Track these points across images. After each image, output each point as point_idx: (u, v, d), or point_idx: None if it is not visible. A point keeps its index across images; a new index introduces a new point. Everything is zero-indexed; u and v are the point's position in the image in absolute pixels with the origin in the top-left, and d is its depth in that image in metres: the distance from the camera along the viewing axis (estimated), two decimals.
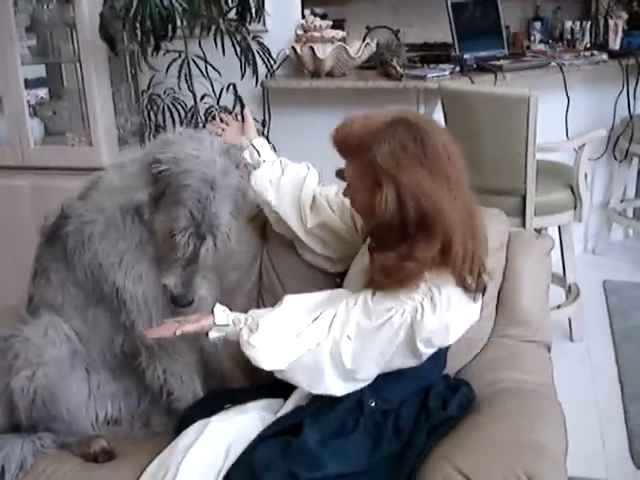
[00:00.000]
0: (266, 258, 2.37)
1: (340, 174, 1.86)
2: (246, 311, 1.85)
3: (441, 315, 1.69)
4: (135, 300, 1.89)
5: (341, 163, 1.82)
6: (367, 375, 1.75)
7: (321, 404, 1.80)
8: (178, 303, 1.87)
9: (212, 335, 1.82)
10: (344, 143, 1.77)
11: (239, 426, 1.78)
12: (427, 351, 1.73)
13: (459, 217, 1.67)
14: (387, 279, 1.70)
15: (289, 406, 1.85)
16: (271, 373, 1.81)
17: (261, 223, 2.37)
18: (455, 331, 1.74)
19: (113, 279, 1.90)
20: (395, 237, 1.68)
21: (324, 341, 1.72)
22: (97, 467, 1.91)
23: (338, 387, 1.75)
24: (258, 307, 2.26)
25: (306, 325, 1.75)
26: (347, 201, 1.93)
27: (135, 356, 1.99)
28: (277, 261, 2.35)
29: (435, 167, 1.67)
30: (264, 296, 2.37)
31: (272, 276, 2.35)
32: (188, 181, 1.79)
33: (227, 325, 1.81)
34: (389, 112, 1.75)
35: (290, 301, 1.83)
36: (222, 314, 1.83)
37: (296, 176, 2.15)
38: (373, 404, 1.79)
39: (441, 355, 1.88)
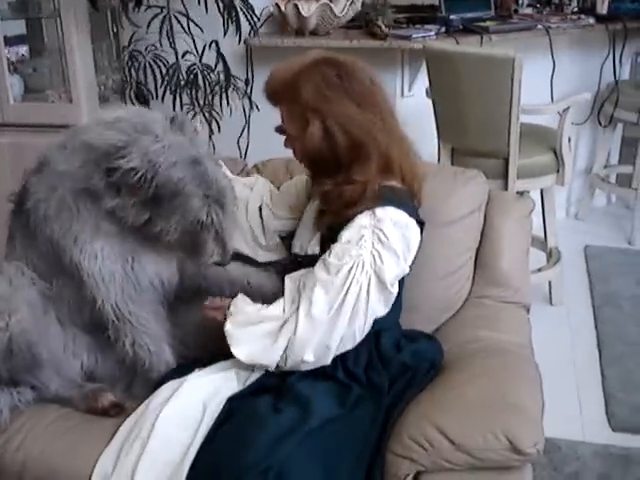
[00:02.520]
0: None
1: (279, 128, 1.88)
2: None
3: (395, 250, 1.72)
4: (92, 277, 1.87)
5: None
6: (362, 330, 1.75)
7: None
8: (223, 265, 1.92)
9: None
10: (272, 89, 1.83)
11: (215, 383, 1.78)
12: (395, 289, 1.76)
13: (392, 139, 1.78)
14: (329, 205, 1.79)
15: None
16: None
17: None
18: (409, 257, 1.78)
19: (70, 256, 1.87)
20: (331, 168, 1.77)
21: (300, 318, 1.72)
22: (73, 425, 1.90)
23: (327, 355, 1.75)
24: None
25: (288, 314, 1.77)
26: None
27: (102, 329, 1.96)
28: None
29: (363, 97, 1.76)
30: None
31: None
32: (180, 174, 1.75)
33: None
34: (311, 54, 1.83)
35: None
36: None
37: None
38: None
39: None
